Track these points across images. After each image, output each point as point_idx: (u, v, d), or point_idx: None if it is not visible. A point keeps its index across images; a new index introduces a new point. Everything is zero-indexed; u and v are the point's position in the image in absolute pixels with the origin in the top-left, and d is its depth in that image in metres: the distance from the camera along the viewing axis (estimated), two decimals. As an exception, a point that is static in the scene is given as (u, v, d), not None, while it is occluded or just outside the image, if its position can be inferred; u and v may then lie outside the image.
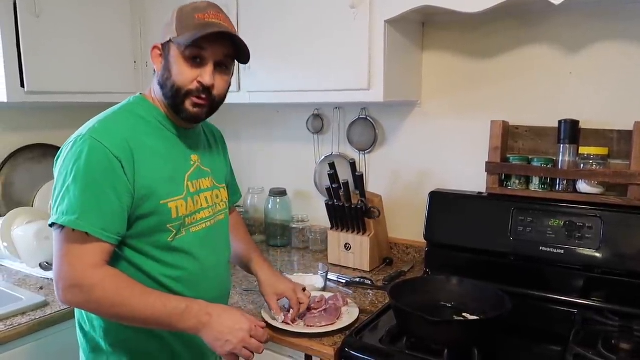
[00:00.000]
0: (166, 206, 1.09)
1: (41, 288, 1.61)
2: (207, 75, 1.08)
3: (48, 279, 1.69)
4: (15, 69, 1.72)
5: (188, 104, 1.10)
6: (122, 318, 1.05)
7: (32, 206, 2.07)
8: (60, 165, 1.04)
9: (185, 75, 1.08)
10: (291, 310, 1.32)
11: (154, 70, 1.14)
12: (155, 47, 1.11)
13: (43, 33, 1.78)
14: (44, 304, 1.48)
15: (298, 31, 1.67)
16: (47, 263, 1.77)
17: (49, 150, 2.16)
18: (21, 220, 1.86)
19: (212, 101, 1.12)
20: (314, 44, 1.65)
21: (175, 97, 1.09)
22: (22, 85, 1.74)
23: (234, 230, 1.40)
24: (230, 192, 1.36)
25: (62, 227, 1.01)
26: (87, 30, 1.93)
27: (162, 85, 1.11)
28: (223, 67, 1.12)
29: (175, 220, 1.11)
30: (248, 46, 1.12)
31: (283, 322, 1.31)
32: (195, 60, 1.07)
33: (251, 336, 1.07)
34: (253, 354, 1.09)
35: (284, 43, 1.69)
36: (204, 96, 1.10)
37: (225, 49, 1.10)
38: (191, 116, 1.12)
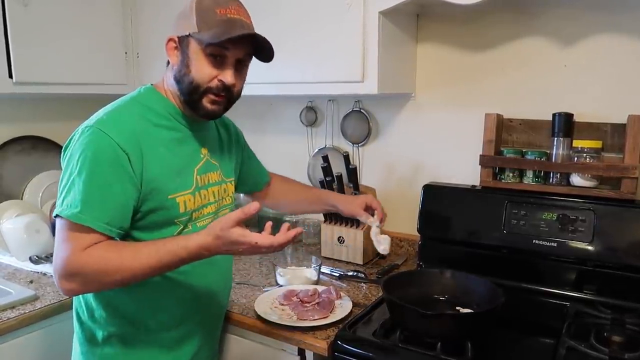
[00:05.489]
0: (174, 201, 1.08)
1: (31, 282, 1.59)
2: (229, 75, 1.08)
3: (38, 272, 1.67)
4: (3, 60, 1.69)
5: (206, 101, 1.09)
6: (127, 281, 1.02)
7: (22, 199, 2.05)
8: (68, 156, 1.03)
9: (205, 72, 1.06)
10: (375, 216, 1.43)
11: (168, 63, 1.12)
12: (171, 40, 1.08)
13: (31, 23, 1.74)
14: (34, 298, 1.46)
15: (292, 23, 1.65)
16: (37, 256, 1.75)
17: (39, 143, 2.13)
18: (10, 213, 1.83)
19: (230, 98, 1.13)
20: (308, 35, 1.63)
21: (192, 93, 1.08)
22: (10, 76, 1.71)
23: (288, 188, 1.53)
24: (257, 174, 1.47)
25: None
26: (77, 20, 1.89)
27: (179, 81, 1.09)
28: (242, 64, 1.11)
29: (183, 215, 1.10)
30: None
31: (377, 225, 1.42)
32: (216, 58, 1.06)
33: (257, 244, 0.99)
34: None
35: (278, 34, 1.64)
36: (222, 94, 1.09)
37: (247, 47, 1.09)
38: (208, 113, 1.12)
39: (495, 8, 1.61)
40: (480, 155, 1.60)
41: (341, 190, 1.72)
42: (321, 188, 1.70)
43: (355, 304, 1.40)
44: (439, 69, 1.76)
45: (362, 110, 1.91)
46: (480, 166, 1.61)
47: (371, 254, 1.80)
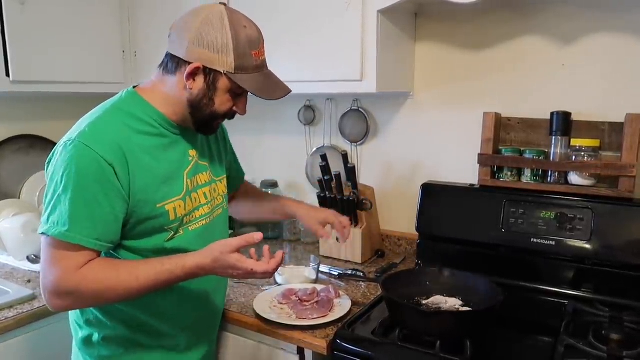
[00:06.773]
0: (163, 209, 1.07)
1: (29, 281, 1.59)
2: (244, 107, 1.13)
3: (36, 272, 1.66)
4: (0, 59, 1.68)
5: (215, 125, 1.14)
6: (123, 300, 1.04)
7: (19, 198, 2.04)
8: (52, 171, 1.01)
9: (227, 106, 1.10)
10: (338, 235, 1.39)
11: (165, 68, 1.08)
12: (197, 68, 1.03)
13: (28, 21, 1.74)
14: (32, 297, 1.45)
15: (290, 22, 1.65)
16: (34, 256, 1.74)
17: (36, 142, 2.12)
18: (7, 212, 1.83)
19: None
20: (306, 34, 1.63)
21: (208, 120, 1.11)
22: (7, 75, 1.70)
23: (251, 193, 1.50)
24: (234, 172, 1.43)
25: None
26: (74, 19, 1.89)
27: (195, 107, 1.08)
28: None
29: (173, 221, 1.09)
30: None
31: (338, 241, 1.39)
32: (237, 93, 1.09)
33: (252, 270, 1.04)
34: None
35: (276, 33, 1.66)
36: (230, 117, 1.14)
37: None
38: (212, 132, 1.17)
39: (494, 7, 1.61)
40: (479, 154, 1.60)
41: (340, 189, 1.72)
42: (283, 197, 1.58)
43: (354, 303, 1.40)
44: (438, 68, 1.76)
45: (360, 109, 1.91)
46: (478, 165, 1.61)
47: (370, 253, 1.80)
